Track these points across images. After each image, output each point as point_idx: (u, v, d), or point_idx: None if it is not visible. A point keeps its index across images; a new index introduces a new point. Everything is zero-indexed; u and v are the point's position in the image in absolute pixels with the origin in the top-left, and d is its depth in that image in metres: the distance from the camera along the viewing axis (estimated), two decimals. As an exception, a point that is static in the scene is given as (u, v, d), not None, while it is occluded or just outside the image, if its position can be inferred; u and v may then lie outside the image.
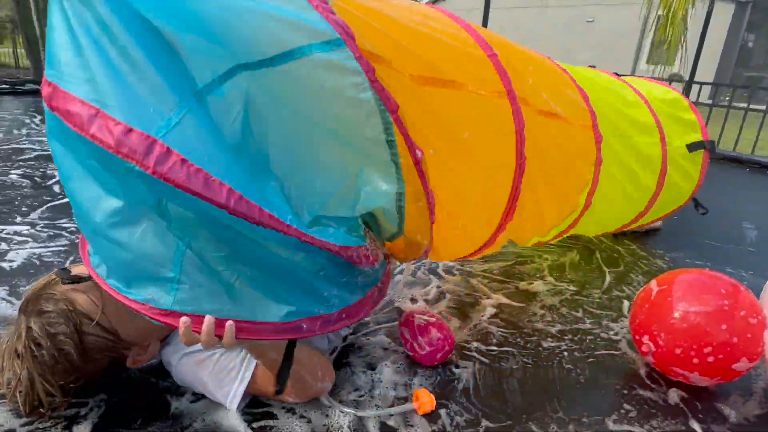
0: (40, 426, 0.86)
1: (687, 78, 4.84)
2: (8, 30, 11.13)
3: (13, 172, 2.21)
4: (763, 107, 4.58)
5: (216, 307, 0.73)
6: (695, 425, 0.98)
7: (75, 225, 1.68)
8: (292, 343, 0.86)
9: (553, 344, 1.22)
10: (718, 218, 2.42)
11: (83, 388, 0.92)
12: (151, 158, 0.61)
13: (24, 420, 0.87)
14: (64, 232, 1.63)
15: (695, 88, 4.81)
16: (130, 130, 0.62)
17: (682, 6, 4.09)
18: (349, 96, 0.70)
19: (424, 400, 0.94)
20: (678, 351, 1.02)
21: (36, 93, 4.50)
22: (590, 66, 5.27)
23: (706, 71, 12.93)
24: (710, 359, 0.99)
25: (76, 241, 1.57)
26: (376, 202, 0.81)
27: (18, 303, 1.21)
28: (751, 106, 4.60)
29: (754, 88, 5.27)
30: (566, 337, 1.26)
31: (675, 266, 1.73)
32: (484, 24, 5.41)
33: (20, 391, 0.83)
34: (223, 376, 0.90)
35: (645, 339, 1.08)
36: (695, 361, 1.01)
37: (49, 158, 2.47)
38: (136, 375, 1.00)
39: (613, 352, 1.21)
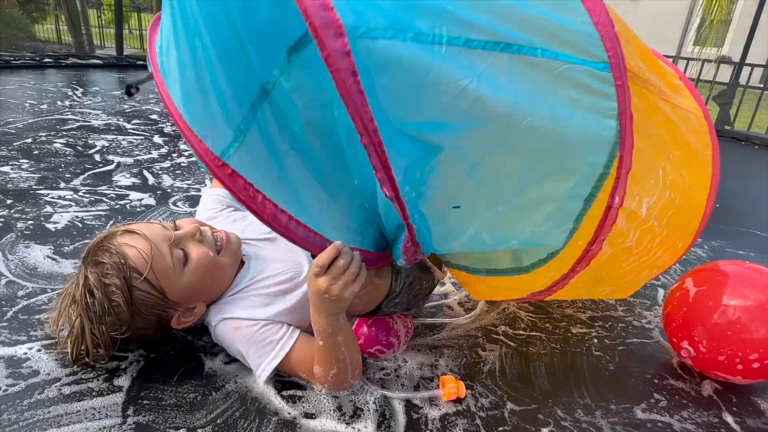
0: (83, 376, 0.90)
1: (737, 60, 4.59)
2: (51, 7, 11.41)
3: (57, 141, 2.28)
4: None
5: (265, 184, 0.74)
6: (728, 418, 0.96)
7: (114, 192, 1.74)
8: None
9: (582, 330, 1.20)
10: (763, 207, 2.32)
11: (123, 343, 0.96)
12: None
13: (68, 370, 0.91)
14: (104, 198, 1.68)
15: (746, 70, 4.56)
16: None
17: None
18: (593, 115, 0.73)
19: (450, 387, 0.93)
20: (721, 358, 0.98)
21: (77, 67, 4.61)
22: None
23: (760, 53, 12.23)
24: (756, 365, 0.95)
25: (116, 206, 1.62)
26: (537, 242, 0.83)
27: (62, 261, 1.27)
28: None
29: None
30: (597, 324, 1.23)
31: (715, 256, 1.67)
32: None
33: (70, 338, 0.89)
34: (258, 347, 0.90)
35: (684, 344, 1.03)
36: (739, 367, 0.97)
37: (90, 129, 2.55)
38: (174, 333, 1.04)
39: (645, 340, 1.19)
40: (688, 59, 4.89)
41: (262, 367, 0.90)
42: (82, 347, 0.88)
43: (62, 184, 1.76)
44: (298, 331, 0.93)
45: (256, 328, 0.90)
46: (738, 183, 2.75)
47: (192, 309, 0.95)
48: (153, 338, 0.98)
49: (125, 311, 0.86)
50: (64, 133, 2.41)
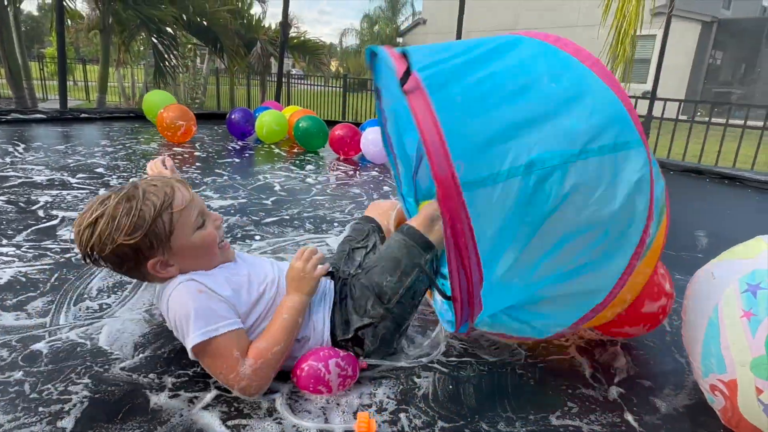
0: (26, 421, 0.94)
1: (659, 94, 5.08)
2: (-13, 61, 11.14)
3: (-3, 198, 2.26)
4: (724, 121, 4.81)
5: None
6: (629, 417, 1.09)
7: (59, 246, 1.75)
8: None
9: (508, 353, 1.32)
10: (673, 227, 2.57)
11: (67, 386, 1.02)
12: None
13: (11, 416, 0.95)
14: (48, 252, 1.69)
15: (659, 104, 5.04)
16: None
17: (632, 26, 4.33)
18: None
19: (361, 425, 0.95)
20: None
21: (19, 122, 4.54)
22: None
23: (678, 87, 13.45)
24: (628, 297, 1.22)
25: (61, 260, 1.64)
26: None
27: (3, 314, 1.30)
28: (714, 120, 4.85)
29: (714, 103, 5.52)
30: (522, 346, 1.35)
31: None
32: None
33: (87, 227, 1.01)
34: (207, 315, 1.00)
35: None
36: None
37: (32, 185, 2.53)
38: (118, 373, 1.10)
39: (563, 356, 1.32)
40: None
41: (202, 330, 0.98)
42: (90, 241, 1.00)
43: (4, 241, 1.76)
44: (242, 326, 1.05)
45: (216, 299, 1.03)
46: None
47: (169, 265, 1.07)
48: (125, 267, 1.07)
49: (142, 224, 1.00)
50: (5, 190, 2.39)
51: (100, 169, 2.97)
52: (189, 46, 11.32)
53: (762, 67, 14.70)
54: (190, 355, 1.01)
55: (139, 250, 1.02)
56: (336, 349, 1.14)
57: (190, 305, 0.99)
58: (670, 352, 1.37)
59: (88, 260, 1.04)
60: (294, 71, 12.95)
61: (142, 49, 10.73)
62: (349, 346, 1.18)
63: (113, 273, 1.58)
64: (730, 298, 0.99)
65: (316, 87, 10.64)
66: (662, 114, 5.05)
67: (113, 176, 2.83)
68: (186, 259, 1.07)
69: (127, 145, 3.83)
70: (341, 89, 9.63)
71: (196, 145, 4.06)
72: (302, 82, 10.92)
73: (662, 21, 4.80)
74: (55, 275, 1.54)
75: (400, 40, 24.86)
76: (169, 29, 8.31)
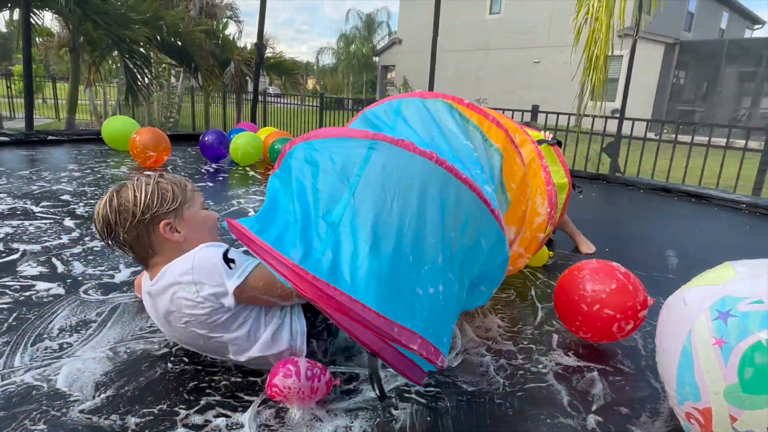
0: None
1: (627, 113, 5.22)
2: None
3: (-46, 229, 2.16)
4: (689, 139, 4.97)
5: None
6: (607, 448, 1.08)
7: (18, 283, 1.68)
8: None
9: (486, 382, 1.30)
10: (644, 247, 2.62)
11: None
12: None
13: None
14: (7, 291, 1.61)
15: (627, 123, 5.19)
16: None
17: (603, 51, 4.48)
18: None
19: None
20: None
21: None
22: (534, 106, 5.57)
23: (645, 106, 13.94)
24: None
25: (20, 298, 1.56)
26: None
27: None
28: (680, 139, 5.01)
29: (678, 122, 5.70)
30: (499, 374, 1.34)
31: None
32: (432, 65, 5.70)
33: (107, 209, 1.20)
34: (239, 260, 1.13)
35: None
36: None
37: (-7, 213, 2.43)
38: (77, 416, 1.04)
39: (541, 384, 1.31)
40: (582, 115, 5.47)
41: (245, 266, 1.14)
42: (108, 223, 1.20)
43: (-41, 279, 1.67)
44: None
45: (239, 253, 1.18)
46: (624, 228, 3.09)
47: (176, 231, 1.25)
48: (139, 227, 1.21)
49: (167, 188, 1.25)
50: (-37, 220, 2.28)
51: (66, 196, 2.86)
52: (163, 65, 11.20)
53: (722, 86, 15.34)
54: (232, 292, 1.12)
55: (158, 206, 1.22)
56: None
57: (215, 260, 1.12)
58: (645, 377, 1.37)
59: (113, 221, 1.21)
60: (270, 89, 12.93)
61: (114, 67, 10.57)
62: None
63: (76, 311, 1.51)
64: (701, 326, 0.99)
65: (292, 105, 10.64)
66: (631, 133, 5.20)
67: (80, 203, 2.73)
68: (191, 230, 1.27)
69: (95, 169, 3.73)
70: (318, 108, 9.64)
71: (169, 168, 3.99)
72: (279, 101, 10.89)
73: (629, 43, 4.97)
74: (14, 315, 1.47)
75: (376, 59, 25.15)
76: (141, 49, 8.20)
